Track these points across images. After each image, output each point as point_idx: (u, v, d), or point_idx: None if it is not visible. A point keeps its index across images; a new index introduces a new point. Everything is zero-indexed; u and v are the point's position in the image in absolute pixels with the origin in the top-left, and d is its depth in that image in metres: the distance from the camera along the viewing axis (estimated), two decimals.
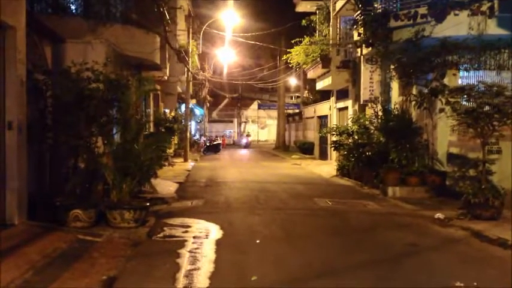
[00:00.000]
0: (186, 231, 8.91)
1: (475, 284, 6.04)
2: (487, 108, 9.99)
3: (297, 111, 42.26)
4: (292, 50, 25.25)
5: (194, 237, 8.45)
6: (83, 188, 8.86)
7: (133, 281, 6.01)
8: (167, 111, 25.89)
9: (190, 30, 27.83)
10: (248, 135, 50.76)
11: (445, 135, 13.41)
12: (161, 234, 8.64)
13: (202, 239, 8.39)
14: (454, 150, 13.32)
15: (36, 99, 9.25)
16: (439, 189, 12.94)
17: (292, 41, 25.34)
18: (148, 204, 9.43)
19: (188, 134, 28.22)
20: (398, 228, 9.64)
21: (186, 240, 8.21)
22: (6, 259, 6.14)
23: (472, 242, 8.42)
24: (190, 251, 7.54)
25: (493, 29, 12.77)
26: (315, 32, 26.07)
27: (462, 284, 5.97)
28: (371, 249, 8.00)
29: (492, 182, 10.42)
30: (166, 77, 21.00)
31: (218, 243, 8.14)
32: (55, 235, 7.56)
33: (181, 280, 6.07)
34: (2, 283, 5.33)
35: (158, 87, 20.42)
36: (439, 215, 10.33)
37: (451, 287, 5.92)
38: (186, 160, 25.82)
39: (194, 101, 37.70)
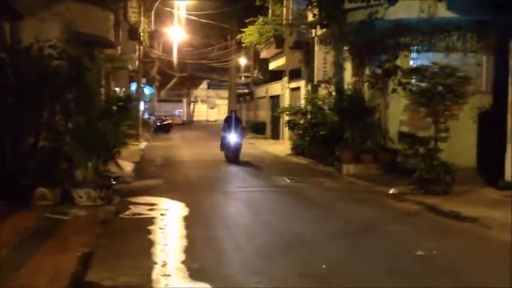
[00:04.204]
0: (152, 209, 8.99)
1: (435, 252, 6.48)
2: (440, 88, 10.51)
3: (247, 91, 42.40)
4: (245, 29, 25.29)
5: (162, 215, 8.57)
6: (46, 167, 8.74)
7: (110, 257, 6.07)
8: (118, 89, 25.45)
9: (142, 8, 27.31)
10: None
11: (396, 114, 13.94)
12: (128, 212, 8.69)
13: (170, 216, 8.52)
14: (404, 129, 13.84)
15: None
16: (391, 166, 13.46)
17: (246, 21, 25.36)
18: (114, 182, 9.42)
19: (139, 114, 27.87)
20: (356, 203, 10.07)
21: (154, 218, 8.31)
22: None
23: (426, 215, 8.93)
24: (160, 228, 7.66)
25: (443, 12, 13.25)
26: (268, 11, 26.16)
27: (423, 253, 6.40)
28: (335, 223, 8.37)
29: (440, 158, 10.99)
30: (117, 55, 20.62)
31: (186, 219, 8.28)
32: (23, 214, 7.50)
33: (158, 255, 6.19)
34: None
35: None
36: (393, 191, 10.83)
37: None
38: (138, 140, 25.55)
39: (144, 80, 37.11)
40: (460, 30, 13.16)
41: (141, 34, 25.70)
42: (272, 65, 26.18)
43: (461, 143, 12.56)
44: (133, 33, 21.76)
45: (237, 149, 16.31)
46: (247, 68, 45.07)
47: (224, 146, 16.82)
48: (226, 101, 48.05)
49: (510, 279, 5.46)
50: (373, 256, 6.43)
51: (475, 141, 13.19)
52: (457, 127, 11.97)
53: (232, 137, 16.22)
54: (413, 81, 11.55)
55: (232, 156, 16.18)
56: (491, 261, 6.20)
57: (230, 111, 18.03)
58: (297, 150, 18.41)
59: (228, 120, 17.20)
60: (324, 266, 5.86)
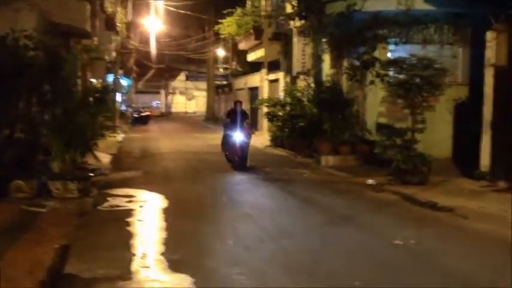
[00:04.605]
0: (131, 201, 8.93)
1: (412, 241, 6.57)
2: (417, 80, 10.63)
3: (225, 82, 42.28)
4: (224, 20, 25.14)
5: (140, 207, 8.52)
6: (22, 159, 8.59)
7: (88, 250, 6.02)
8: (94, 81, 25.14)
9: None
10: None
11: (374, 106, 14.08)
12: (106, 204, 8.62)
13: (148, 208, 8.48)
14: (382, 120, 13.99)
15: None
16: (368, 158, 13.59)
17: (224, 12, 25.20)
18: (91, 174, 9.32)
19: (116, 105, 27.61)
20: (335, 194, 10.15)
21: (132, 210, 8.26)
22: None
23: (404, 205, 9.05)
24: (139, 220, 7.63)
25: (420, 4, 13.40)
26: (246, 3, 26.06)
27: (401, 242, 6.49)
28: (315, 213, 8.44)
29: (417, 149, 11.13)
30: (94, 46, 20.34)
31: (165, 211, 8.24)
32: None
33: (137, 247, 6.15)
34: None
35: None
36: (371, 181, 10.95)
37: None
38: (115, 132, 25.30)
39: (121, 71, 36.73)
40: (436, 23, 13.35)
41: (118, 25, 25.38)
42: (251, 57, 26.11)
43: (437, 134, 12.76)
44: (110, 23, 21.48)
45: (245, 151, 13.14)
46: (226, 60, 44.88)
47: (227, 146, 13.84)
48: (204, 93, 47.87)
49: (486, 267, 5.59)
50: (352, 245, 6.50)
51: (451, 132, 13.41)
52: (433, 118, 12.13)
53: (238, 136, 13.09)
54: (391, 73, 11.66)
55: (239, 160, 13.05)
56: (467, 249, 6.32)
57: (234, 102, 14.53)
58: (276, 141, 18.45)
59: (231, 114, 13.95)
60: (304, 256, 5.90)
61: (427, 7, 13.28)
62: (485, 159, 10.73)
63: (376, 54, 13.61)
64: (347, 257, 5.98)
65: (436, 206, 8.51)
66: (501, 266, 5.60)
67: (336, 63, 15.81)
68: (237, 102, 14.25)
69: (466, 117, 12.54)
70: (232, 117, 13.64)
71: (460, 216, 7.88)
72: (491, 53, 10.80)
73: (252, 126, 13.89)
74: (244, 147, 13.17)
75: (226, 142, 13.85)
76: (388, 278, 5.28)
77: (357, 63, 14.03)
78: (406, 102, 11.09)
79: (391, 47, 13.94)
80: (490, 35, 10.79)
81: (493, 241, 6.64)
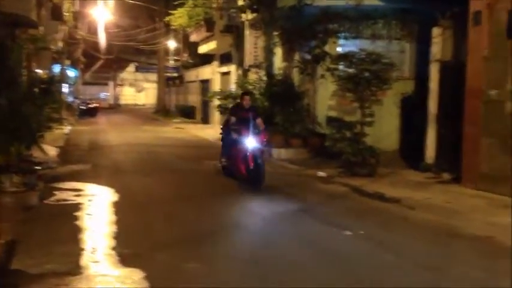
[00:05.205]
0: (79, 195, 8.73)
1: (362, 232, 6.73)
2: (366, 74, 10.86)
3: (176, 75, 41.84)
4: (175, 11, 24.82)
5: (89, 200, 8.34)
6: None
7: (35, 245, 5.83)
8: (40, 71, 24.32)
9: None
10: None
11: (325, 99, 14.26)
12: (53, 198, 8.39)
13: (98, 202, 8.32)
14: (332, 113, 14.20)
15: None
16: (320, 150, 13.78)
17: (175, 3, 24.87)
18: (38, 167, 9.04)
19: (63, 97, 26.82)
20: (287, 186, 10.22)
21: (81, 204, 8.07)
22: None
23: (353, 197, 9.25)
24: (88, 214, 7.47)
25: None
26: None
27: (351, 233, 6.64)
28: (267, 206, 8.47)
29: (366, 142, 11.39)
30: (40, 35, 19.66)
31: (115, 205, 8.11)
32: None
33: (86, 242, 6.02)
34: None
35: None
36: (322, 174, 11.12)
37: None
38: (62, 124, 24.59)
39: (68, 61, 35.69)
40: (385, 18, 13.60)
41: (66, 14, 24.61)
42: (202, 49, 25.96)
43: (385, 128, 13.06)
44: (56, 13, 20.78)
45: (259, 162, 9.38)
46: (177, 51, 44.38)
47: (229, 155, 10.41)
48: (155, 85, 47.21)
49: (432, 256, 5.80)
50: (304, 236, 6.59)
51: (398, 126, 13.74)
52: (381, 112, 12.39)
53: (250, 142, 9.54)
54: (341, 67, 11.84)
55: (253, 174, 9.43)
56: (415, 239, 6.52)
57: (241, 95, 10.85)
58: None
59: (237, 110, 10.37)
60: (257, 249, 5.94)
61: (376, 2, 13.54)
62: (430, 152, 11.11)
63: (327, 48, 13.78)
64: (297, 248, 6.06)
65: (384, 197, 8.74)
66: (446, 255, 5.84)
67: (287, 56, 15.93)
68: (245, 95, 10.61)
69: (412, 111, 12.90)
70: (239, 115, 10.16)
71: (407, 207, 8.12)
72: (437, 48, 11.17)
73: (265, 129, 10.20)
74: (258, 156, 9.46)
75: (228, 150, 10.43)
76: (336, 266, 5.38)
77: (308, 57, 14.18)
78: (356, 96, 11.32)
79: (341, 41, 14.13)
80: (436, 31, 11.15)
81: (438, 231, 6.87)
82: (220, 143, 11.22)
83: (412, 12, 13.29)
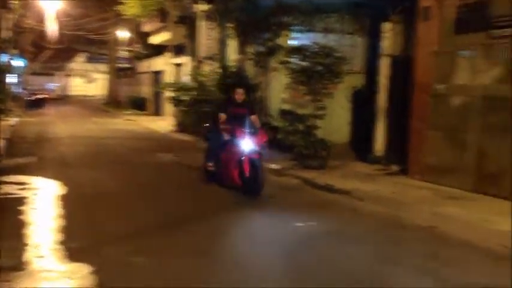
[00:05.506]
0: (24, 189, 8.44)
1: (314, 223, 6.80)
2: (319, 67, 10.95)
3: (128, 65, 41.05)
4: (126, 1, 24.28)
5: (35, 194, 8.08)
6: None
7: None
8: None
9: None
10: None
11: (278, 92, 14.29)
12: None
13: (44, 196, 8.08)
14: (285, 106, 14.25)
15: None
16: (272, 143, 13.78)
17: None
18: None
19: (9, 87, 25.91)
20: None
21: (25, 197, 7.81)
22: None
23: (305, 189, 9.34)
24: (33, 208, 7.23)
25: None
26: None
27: (302, 224, 6.69)
28: (219, 198, 8.39)
29: (317, 135, 11.51)
30: None
31: (62, 198, 7.87)
32: None
33: (31, 236, 5.82)
34: None
35: None
36: (274, 166, 11.16)
37: None
38: (8, 115, 23.75)
39: (15, 51, 34.42)
40: (338, 12, 13.72)
41: (13, 2, 23.73)
42: (156, 40, 25.57)
43: (336, 120, 13.21)
44: (2, 1, 19.99)
45: (257, 166, 8.06)
46: (130, 42, 43.51)
47: (218, 160, 8.77)
48: (106, 76, 46.18)
49: (379, 244, 5.92)
50: (254, 227, 6.61)
51: (349, 119, 13.94)
52: (333, 105, 12.52)
53: (246, 144, 8.17)
54: (294, 60, 11.88)
55: (250, 182, 8.12)
56: (363, 229, 6.64)
57: (233, 87, 9.12)
58: (180, 127, 18.24)
59: (228, 106, 8.79)
60: (205, 240, 5.90)
61: None
62: (379, 144, 11.35)
63: (280, 41, 13.81)
64: (249, 240, 6.07)
65: (334, 188, 8.85)
66: (392, 243, 5.98)
67: (241, 48, 15.86)
68: (238, 87, 8.92)
69: (362, 104, 13.11)
70: (231, 112, 8.63)
71: (356, 199, 8.26)
72: (387, 43, 11.39)
73: (262, 127, 8.96)
74: (256, 162, 8.10)
75: (216, 153, 8.80)
76: (284, 257, 5.42)
77: (262, 49, 14.16)
78: (308, 89, 11.39)
79: (295, 34, 14.18)
80: (386, 26, 11.36)
81: (385, 221, 7.02)
82: (205, 144, 9.64)
83: (365, 6, 13.45)
